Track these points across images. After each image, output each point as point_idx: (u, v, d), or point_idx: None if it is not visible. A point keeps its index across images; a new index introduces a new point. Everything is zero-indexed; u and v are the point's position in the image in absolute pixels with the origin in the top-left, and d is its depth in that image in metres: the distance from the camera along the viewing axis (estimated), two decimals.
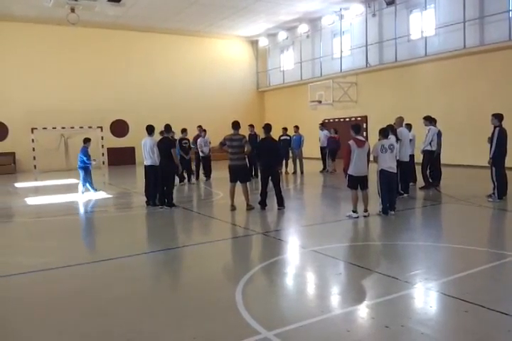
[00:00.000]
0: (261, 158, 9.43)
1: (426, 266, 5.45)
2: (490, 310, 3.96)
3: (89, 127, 22.62)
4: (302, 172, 16.23)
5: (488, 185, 9.84)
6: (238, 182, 9.33)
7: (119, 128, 23.85)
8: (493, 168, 9.58)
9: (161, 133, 11.33)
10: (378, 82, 20.69)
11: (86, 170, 12.15)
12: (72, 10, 19.29)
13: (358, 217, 8.18)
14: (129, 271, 5.65)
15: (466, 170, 15.62)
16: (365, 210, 8.35)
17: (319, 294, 4.70)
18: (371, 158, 8.52)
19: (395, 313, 4.02)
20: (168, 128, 10.27)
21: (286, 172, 16.29)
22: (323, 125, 17.75)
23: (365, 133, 21.61)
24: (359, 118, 21.57)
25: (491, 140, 9.56)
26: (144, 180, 10.39)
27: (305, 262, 5.94)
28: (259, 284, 5.08)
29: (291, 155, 16.36)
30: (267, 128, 9.47)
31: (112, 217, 9.69)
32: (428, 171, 11.61)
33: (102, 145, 23.09)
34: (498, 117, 9.59)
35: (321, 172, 16.75)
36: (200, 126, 15.73)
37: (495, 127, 9.56)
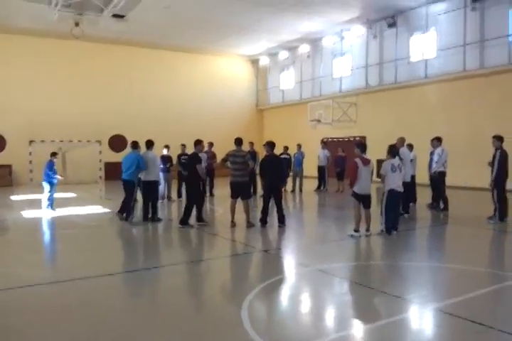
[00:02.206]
0: (265, 175, 9.35)
1: (431, 286, 5.37)
2: (501, 332, 3.87)
3: (88, 141, 22.56)
4: (301, 191, 16.17)
5: (489, 207, 9.81)
6: (239, 199, 9.25)
7: (118, 142, 23.79)
8: (495, 191, 9.55)
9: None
10: (378, 102, 20.86)
11: (51, 184, 11.44)
12: (77, 24, 19.54)
13: (360, 236, 8.10)
14: (130, 287, 5.53)
15: (466, 192, 15.61)
16: (367, 229, 8.26)
17: (326, 315, 4.59)
18: (374, 177, 8.49)
19: (404, 334, 3.91)
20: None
21: (285, 190, 16.21)
22: (326, 144, 17.78)
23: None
24: (358, 138, 21.64)
25: (492, 162, 9.55)
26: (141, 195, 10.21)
27: (309, 281, 5.80)
28: (263, 304, 4.94)
29: (291, 173, 16.31)
30: (271, 145, 9.35)
31: (112, 232, 9.55)
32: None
33: (100, 160, 22.99)
34: (500, 139, 9.61)
35: (315, 191, 16.65)
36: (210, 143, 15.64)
37: (496, 149, 9.57)
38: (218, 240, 8.45)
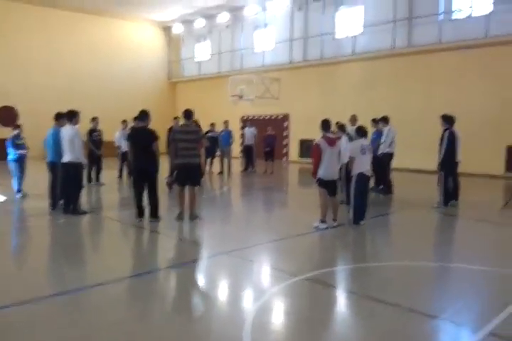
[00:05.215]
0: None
1: (465, 297, 4.40)
2: None
3: None
4: (229, 172, 14.78)
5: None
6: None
7: (5, 115, 20.35)
8: (441, 173, 9.00)
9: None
10: (302, 79, 20.01)
11: (19, 161, 9.63)
12: None
13: (327, 228, 7.05)
14: (97, 311, 3.88)
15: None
16: (335, 219, 7.25)
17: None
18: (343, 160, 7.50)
19: None
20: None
21: (211, 172, 14.79)
22: (251, 122, 16.59)
23: (285, 132, 20.91)
24: (280, 116, 20.79)
25: (440, 143, 8.99)
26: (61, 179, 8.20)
27: (310, 298, 4.43)
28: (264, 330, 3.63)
29: (218, 153, 14.89)
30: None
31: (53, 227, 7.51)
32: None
33: None
34: (447, 119, 9.05)
35: (243, 172, 15.47)
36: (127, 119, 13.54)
37: (444, 130, 9.00)
38: (169, 240, 6.82)
